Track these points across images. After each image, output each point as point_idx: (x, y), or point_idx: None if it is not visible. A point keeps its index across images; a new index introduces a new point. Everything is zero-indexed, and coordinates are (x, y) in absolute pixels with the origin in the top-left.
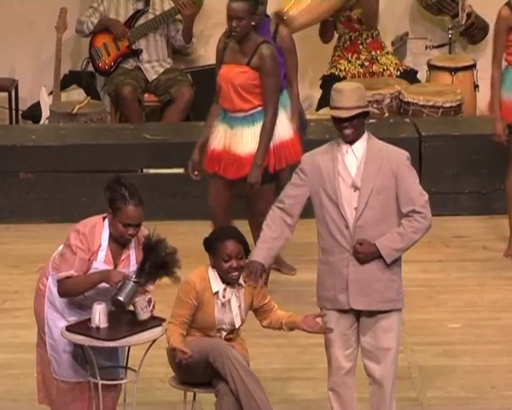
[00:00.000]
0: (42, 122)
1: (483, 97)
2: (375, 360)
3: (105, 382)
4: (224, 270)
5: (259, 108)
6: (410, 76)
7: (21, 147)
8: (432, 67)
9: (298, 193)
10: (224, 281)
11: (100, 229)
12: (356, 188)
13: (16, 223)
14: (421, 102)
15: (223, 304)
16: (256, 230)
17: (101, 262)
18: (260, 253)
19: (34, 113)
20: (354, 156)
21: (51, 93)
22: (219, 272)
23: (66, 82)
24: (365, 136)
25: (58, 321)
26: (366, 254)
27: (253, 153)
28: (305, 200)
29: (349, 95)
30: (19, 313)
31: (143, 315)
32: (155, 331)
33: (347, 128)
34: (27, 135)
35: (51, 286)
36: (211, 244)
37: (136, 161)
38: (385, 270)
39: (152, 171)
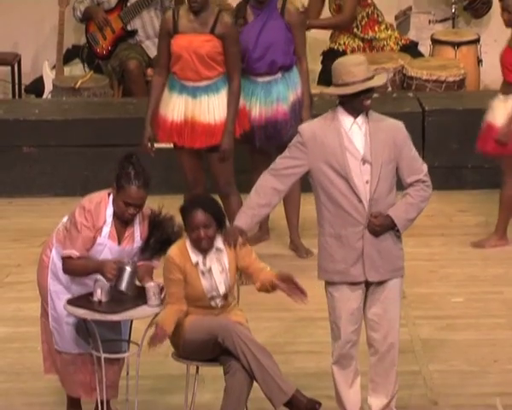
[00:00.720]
0: (45, 96)
1: (486, 72)
2: (383, 330)
3: (108, 355)
4: (193, 240)
5: (222, 76)
6: (411, 49)
7: (24, 121)
8: (435, 42)
9: (297, 165)
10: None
11: (105, 205)
12: (365, 161)
13: (19, 197)
14: (424, 77)
15: (205, 273)
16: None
17: (105, 238)
18: (243, 218)
19: (37, 87)
20: (359, 130)
21: (54, 67)
22: (191, 241)
23: (68, 56)
24: None
25: (61, 293)
26: (382, 226)
27: (223, 120)
28: (302, 173)
29: (367, 65)
30: (21, 286)
31: (154, 301)
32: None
33: (370, 98)
34: (30, 109)
35: (55, 258)
36: (182, 213)
37: (139, 135)
38: (395, 240)
39: (155, 145)
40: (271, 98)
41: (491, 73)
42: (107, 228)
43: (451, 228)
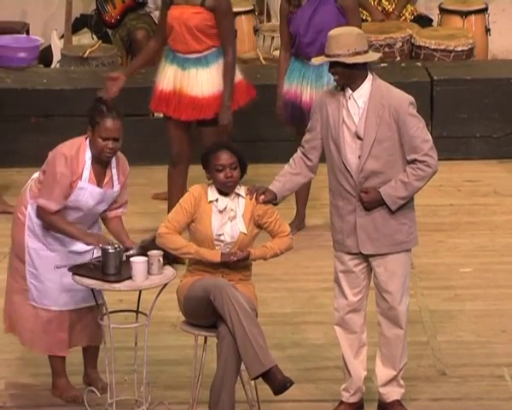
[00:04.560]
0: (53, 66)
1: (495, 41)
2: (386, 303)
3: (116, 326)
4: (219, 180)
5: (213, 49)
6: (423, 21)
7: (32, 91)
8: (443, 11)
9: (312, 137)
10: (220, 192)
11: (84, 149)
12: (358, 137)
13: (27, 167)
14: (432, 46)
15: (217, 212)
16: None
17: (85, 181)
18: (275, 184)
19: (45, 56)
20: (355, 103)
21: (62, 36)
22: (216, 184)
23: (77, 26)
24: (368, 80)
25: (41, 250)
26: (371, 202)
27: (211, 94)
28: (319, 143)
29: (331, 41)
30: None
31: (154, 270)
32: (167, 275)
33: (333, 74)
34: (38, 79)
35: (31, 215)
36: (206, 158)
37: (147, 105)
38: (395, 214)
39: (163, 115)
40: (322, 82)
41: (500, 43)
42: (87, 171)
43: (459, 198)
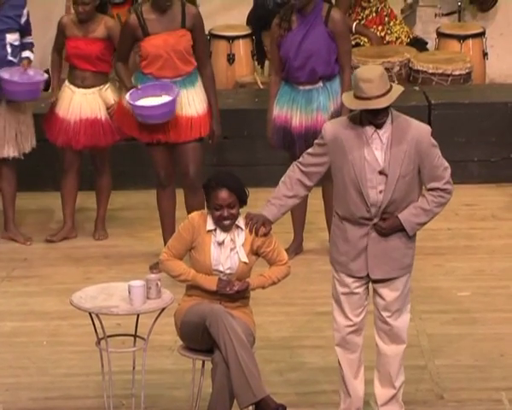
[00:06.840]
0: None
1: (492, 65)
2: (390, 318)
3: (113, 350)
4: (215, 218)
5: (194, 69)
6: (419, 44)
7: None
8: (441, 35)
9: (319, 163)
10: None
11: None
12: (382, 173)
13: (25, 191)
14: (430, 70)
15: (216, 243)
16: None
17: None
18: (271, 209)
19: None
20: (380, 140)
21: None
22: (212, 218)
23: None
24: (389, 115)
25: None
26: (390, 228)
27: (205, 111)
28: (325, 170)
29: (380, 82)
30: (27, 280)
31: (152, 294)
32: (165, 299)
33: (383, 116)
34: (38, 103)
35: None
36: (207, 190)
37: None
38: (403, 239)
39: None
40: (311, 107)
41: (497, 67)
42: None
43: (457, 222)
